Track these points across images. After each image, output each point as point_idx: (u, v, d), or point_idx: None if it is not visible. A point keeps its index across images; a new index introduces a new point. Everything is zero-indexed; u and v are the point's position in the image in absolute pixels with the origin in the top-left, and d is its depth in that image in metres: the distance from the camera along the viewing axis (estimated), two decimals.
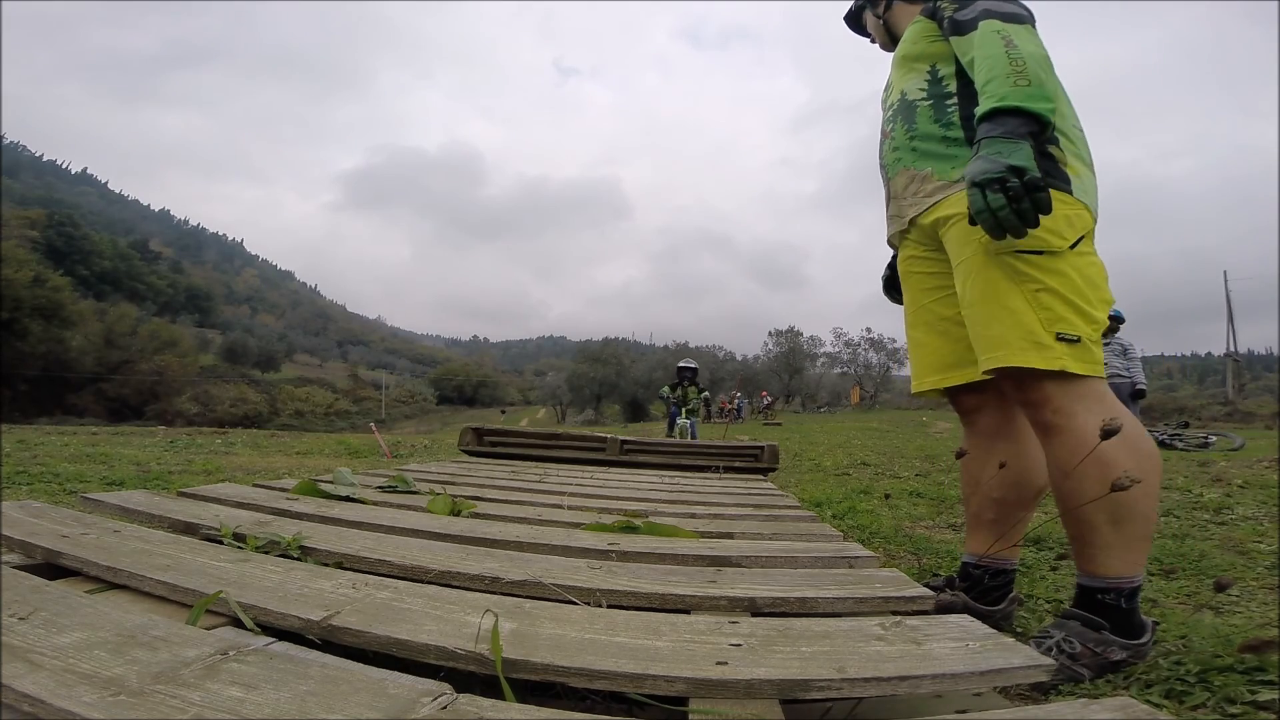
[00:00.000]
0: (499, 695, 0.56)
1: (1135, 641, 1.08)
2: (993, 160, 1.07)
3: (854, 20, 1.69)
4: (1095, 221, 1.22)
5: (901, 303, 1.56)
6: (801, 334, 48.22)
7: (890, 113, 1.43)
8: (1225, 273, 28.77)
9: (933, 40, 1.36)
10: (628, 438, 3.19)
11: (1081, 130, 1.28)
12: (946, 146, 1.29)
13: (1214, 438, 7.92)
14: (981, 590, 1.33)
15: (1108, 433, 1.03)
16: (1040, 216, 1.07)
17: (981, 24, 1.21)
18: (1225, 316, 28.55)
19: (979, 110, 1.15)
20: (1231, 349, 29.15)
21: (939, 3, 1.33)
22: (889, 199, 1.44)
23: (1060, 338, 1.11)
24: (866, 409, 36.05)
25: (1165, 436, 8.14)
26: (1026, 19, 1.22)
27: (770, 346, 48.68)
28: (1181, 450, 7.33)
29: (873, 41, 1.65)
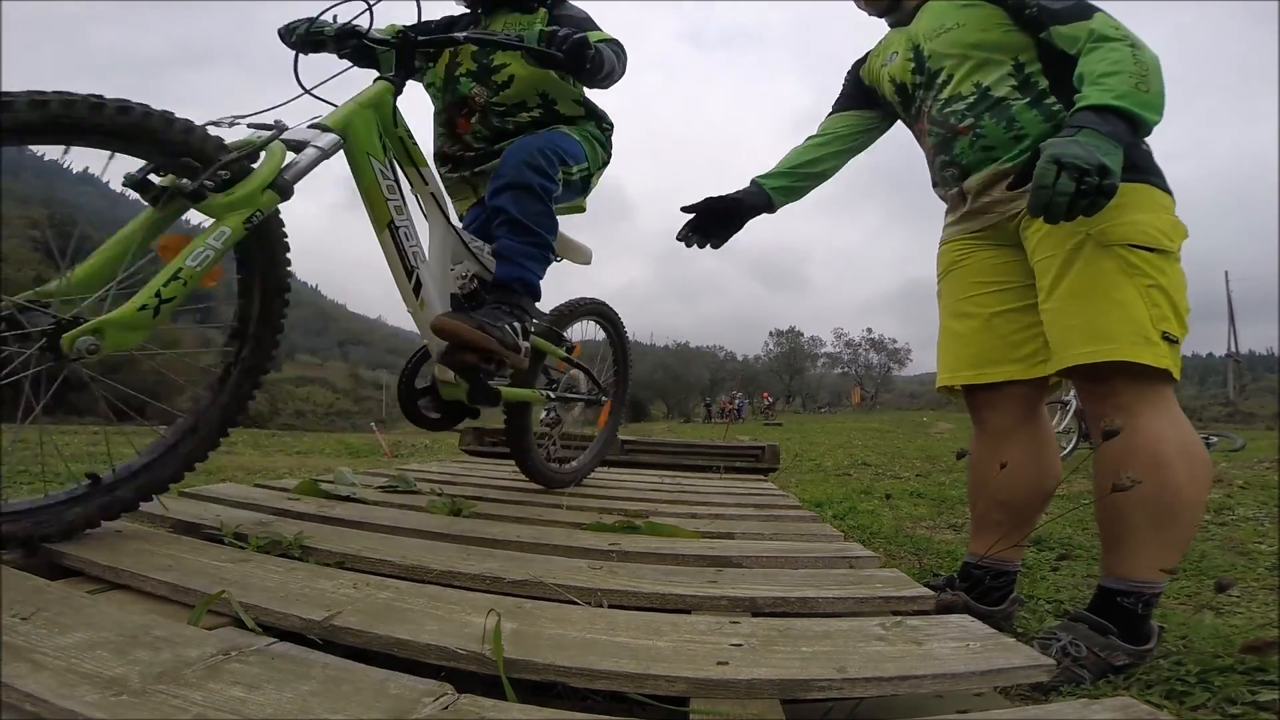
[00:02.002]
0: (500, 695, 0.56)
1: (1140, 647, 1.08)
2: (1087, 149, 1.02)
3: None
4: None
5: (691, 239, 1.51)
6: (802, 334, 48.32)
7: (959, 106, 1.31)
8: (1226, 273, 28.73)
9: (1007, 29, 1.28)
10: (628, 438, 3.18)
11: None
12: None
13: (1215, 438, 7.89)
14: (983, 591, 1.33)
15: (1108, 434, 1.04)
16: (1153, 217, 1.11)
17: (1097, 15, 1.18)
18: (1226, 317, 28.54)
19: (1088, 97, 1.10)
20: (1232, 350, 29.13)
21: None
22: (961, 196, 1.37)
23: (1165, 337, 1.09)
24: (867, 409, 36.05)
25: None
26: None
27: (771, 347, 48.77)
28: None
29: (862, 6, 1.54)
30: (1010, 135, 1.27)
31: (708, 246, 1.53)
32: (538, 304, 1.54)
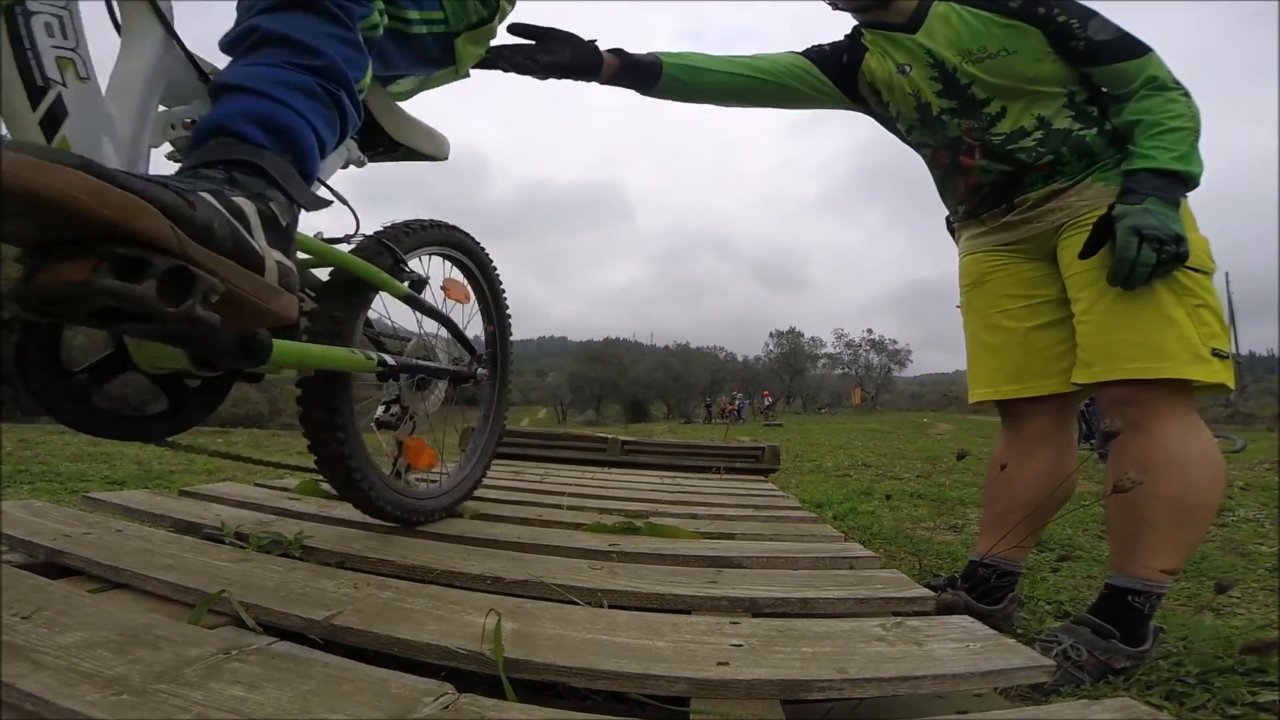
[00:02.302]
0: (501, 695, 0.56)
1: (1140, 649, 1.09)
2: (1163, 220, 1.09)
3: None
4: None
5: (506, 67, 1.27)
6: (802, 335, 48.33)
7: (1029, 143, 1.27)
8: (1227, 275, 28.72)
9: (1054, 60, 1.25)
10: (628, 438, 3.18)
11: None
12: (1107, 156, 1.26)
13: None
14: (986, 590, 1.33)
15: (1107, 435, 1.05)
16: (1195, 236, 1.15)
17: (1152, 57, 1.21)
18: (1227, 318, 28.52)
19: (1151, 157, 1.16)
20: (1233, 351, 29.11)
21: (1052, 11, 1.23)
22: (1007, 210, 1.35)
23: (1215, 353, 1.14)
24: (867, 410, 36.04)
25: None
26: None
27: (771, 347, 48.78)
28: None
29: (836, 8, 1.42)
30: (1081, 164, 1.27)
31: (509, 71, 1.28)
32: (312, 197, 0.74)
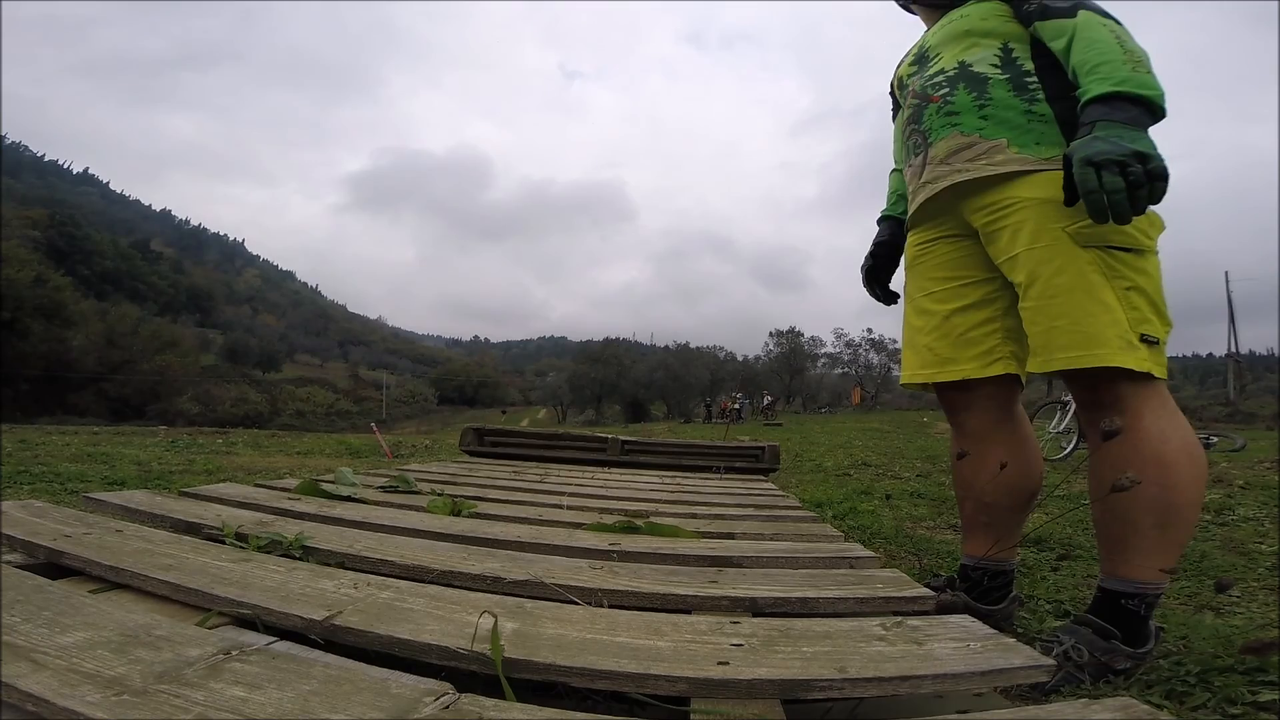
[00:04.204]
0: (501, 695, 0.56)
1: (1141, 650, 1.07)
2: (1113, 142, 1.01)
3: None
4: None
5: (885, 298, 1.58)
6: (802, 334, 48.29)
7: (939, 78, 1.32)
8: (1227, 274, 28.71)
9: (1005, 20, 1.28)
10: (628, 438, 3.19)
11: None
12: (1030, 121, 1.22)
13: (1215, 439, 7.87)
14: (981, 591, 1.32)
15: (1107, 434, 1.03)
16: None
17: (1081, 12, 1.17)
18: (1226, 318, 28.52)
19: (1089, 90, 1.09)
20: (1233, 350, 29.11)
21: None
22: (923, 165, 1.34)
23: (1144, 339, 1.08)
24: (867, 410, 36.01)
25: None
26: (1120, 23, 1.18)
27: (771, 347, 48.74)
28: None
29: (904, 5, 1.57)
30: (975, 103, 1.25)
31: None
32: None
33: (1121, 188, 0.99)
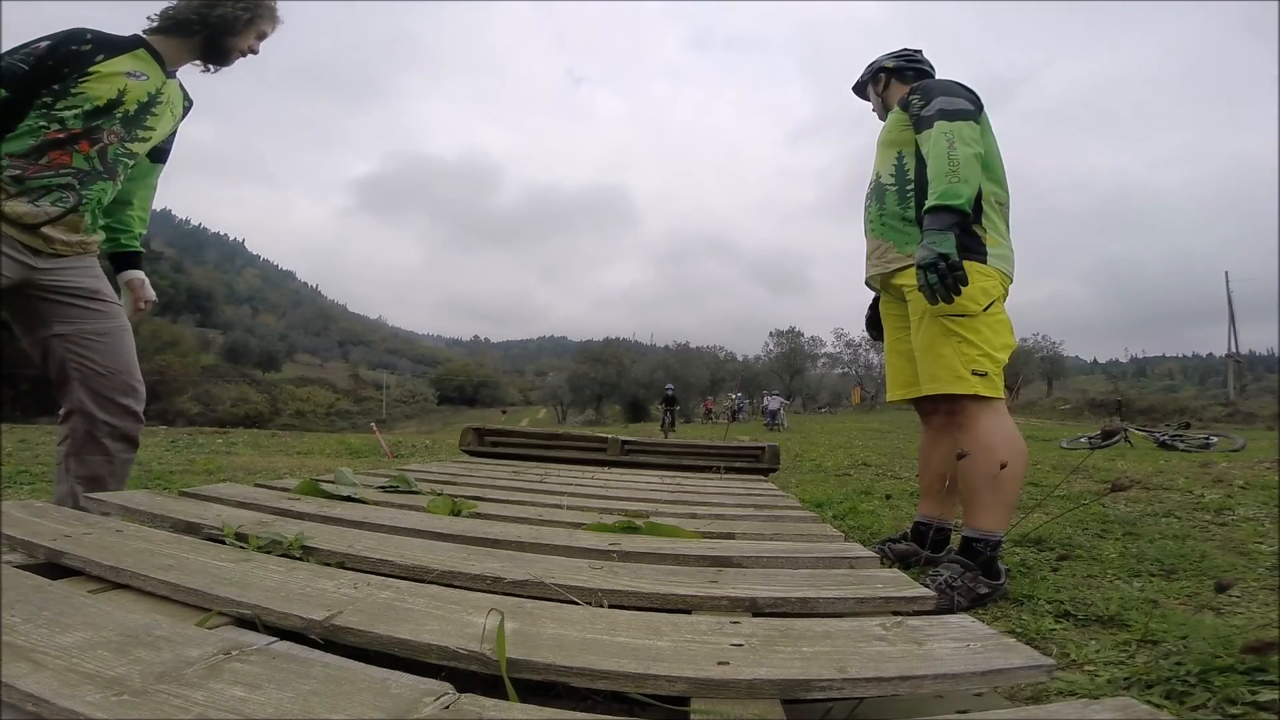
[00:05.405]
0: (501, 695, 0.56)
1: (996, 582, 1.59)
2: (928, 249, 1.55)
3: (860, 90, 2.12)
4: (1011, 281, 1.74)
5: (879, 338, 2.12)
6: (802, 335, 48.31)
7: (870, 189, 1.89)
8: (1226, 274, 28.73)
9: (904, 128, 1.77)
10: (628, 438, 3.19)
11: (1006, 200, 1.77)
12: (904, 226, 1.78)
13: (1215, 438, 7.89)
14: (930, 544, 1.87)
15: (1107, 433, 1.08)
16: (963, 289, 1.56)
17: (936, 124, 1.63)
18: (1226, 318, 28.52)
19: (926, 204, 1.61)
20: (1233, 350, 29.11)
21: (911, 98, 1.76)
22: (867, 254, 1.94)
23: (974, 373, 1.64)
24: (867, 410, 36.02)
25: (1166, 437, 8.03)
26: (971, 113, 1.65)
27: (771, 347, 48.75)
28: (1183, 451, 7.26)
29: (873, 110, 2.08)
30: (879, 213, 1.84)
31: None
32: None
33: (935, 283, 1.55)
